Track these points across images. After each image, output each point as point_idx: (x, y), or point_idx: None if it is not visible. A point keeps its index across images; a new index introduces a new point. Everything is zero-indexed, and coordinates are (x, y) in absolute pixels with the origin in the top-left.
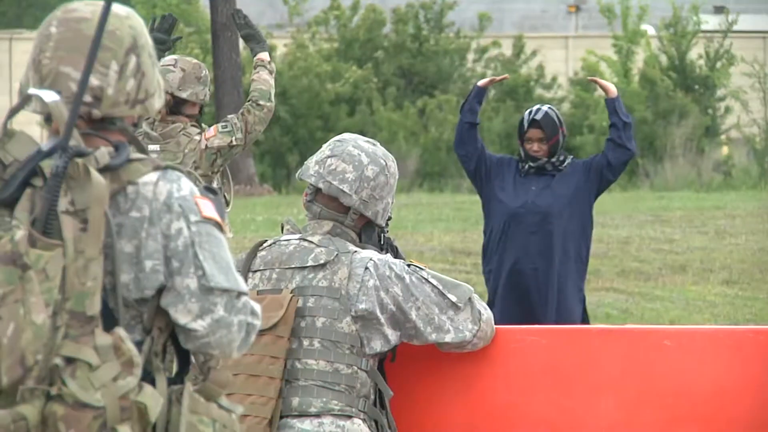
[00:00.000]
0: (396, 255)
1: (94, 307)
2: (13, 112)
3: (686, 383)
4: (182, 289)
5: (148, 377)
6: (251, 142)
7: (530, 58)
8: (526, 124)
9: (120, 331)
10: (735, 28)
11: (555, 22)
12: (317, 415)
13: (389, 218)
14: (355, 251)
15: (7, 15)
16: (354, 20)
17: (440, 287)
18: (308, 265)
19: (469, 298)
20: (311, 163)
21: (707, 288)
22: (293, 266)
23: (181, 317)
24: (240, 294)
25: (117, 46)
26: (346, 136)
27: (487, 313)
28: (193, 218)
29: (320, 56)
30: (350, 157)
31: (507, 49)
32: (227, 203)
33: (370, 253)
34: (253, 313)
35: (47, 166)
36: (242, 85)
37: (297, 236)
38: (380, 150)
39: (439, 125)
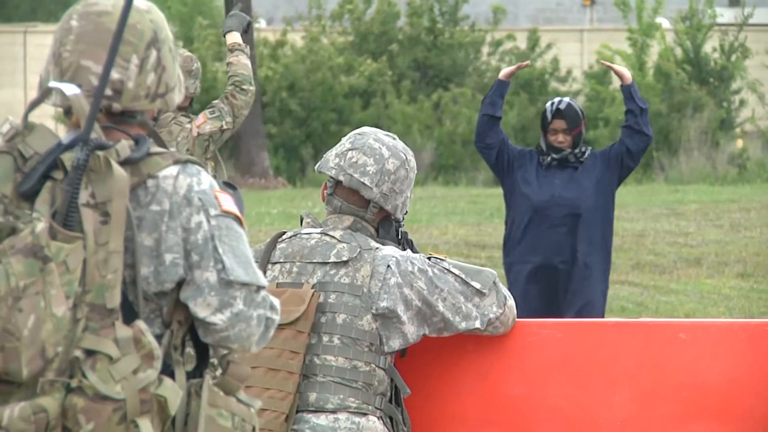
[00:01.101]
0: (412, 248)
1: (114, 299)
2: (34, 105)
3: (701, 376)
4: (202, 282)
5: (167, 370)
6: (238, 127)
7: (545, 51)
8: (549, 115)
9: (140, 324)
10: (750, 21)
11: (570, 15)
12: (333, 411)
13: (405, 212)
14: (377, 248)
15: (21, 8)
16: (368, 13)
17: (463, 276)
18: (330, 261)
19: (494, 282)
20: (331, 156)
21: (722, 281)
22: (315, 261)
23: (201, 311)
24: (259, 288)
25: (138, 40)
26: (366, 129)
27: (511, 300)
28: (213, 212)
29: (334, 49)
30: (371, 150)
31: (522, 43)
32: None
33: (392, 251)
34: (272, 307)
35: (68, 158)
36: (258, 78)
37: (318, 230)
38: (400, 144)
39: (454, 118)
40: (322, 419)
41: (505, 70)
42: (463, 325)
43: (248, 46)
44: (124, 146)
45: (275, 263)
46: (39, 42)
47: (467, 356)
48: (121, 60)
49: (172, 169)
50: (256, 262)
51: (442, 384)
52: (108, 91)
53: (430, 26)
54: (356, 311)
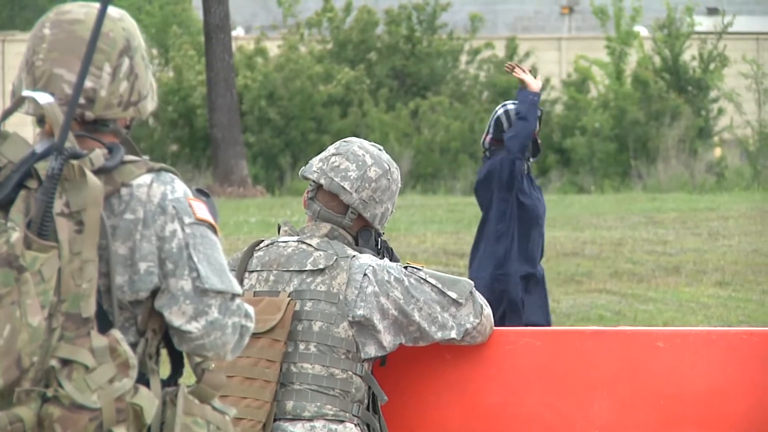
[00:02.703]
0: (391, 258)
1: (90, 308)
2: (7, 113)
3: (680, 385)
4: (176, 290)
5: (142, 379)
6: None
7: (523, 59)
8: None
9: (116, 332)
10: (728, 29)
11: (548, 23)
12: (310, 419)
13: (384, 224)
14: (354, 256)
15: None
16: (347, 21)
17: (440, 286)
18: (307, 269)
19: (470, 292)
20: (315, 161)
21: (700, 289)
22: (291, 269)
23: (176, 319)
24: (234, 296)
25: (110, 48)
26: (352, 138)
27: (487, 309)
28: (187, 220)
29: (312, 58)
30: (354, 156)
31: (500, 51)
32: None
33: (369, 259)
34: (246, 315)
35: (42, 168)
36: (235, 86)
37: (295, 238)
38: (385, 156)
39: (432, 127)
40: (298, 427)
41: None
42: (439, 335)
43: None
44: (98, 155)
45: (252, 272)
46: (17, 50)
47: (446, 365)
48: (93, 68)
49: (146, 178)
50: (233, 270)
51: (421, 392)
52: (81, 100)
53: (408, 34)
54: (332, 319)
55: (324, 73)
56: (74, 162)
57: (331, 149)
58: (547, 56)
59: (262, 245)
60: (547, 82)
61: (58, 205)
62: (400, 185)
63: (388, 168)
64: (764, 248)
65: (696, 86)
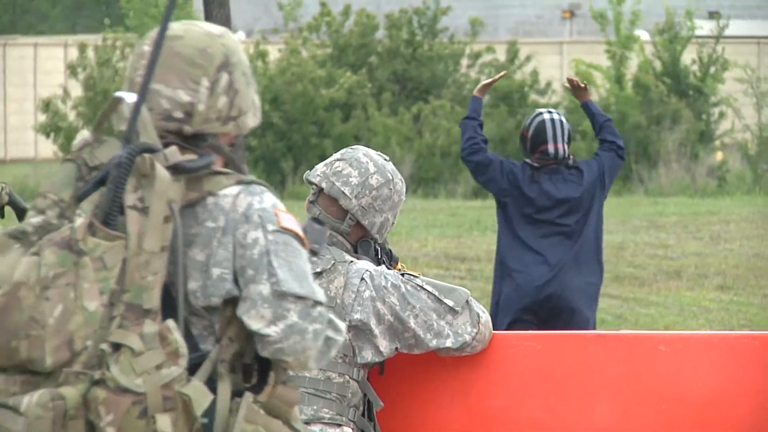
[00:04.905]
0: (390, 258)
1: (152, 301)
2: (103, 118)
3: (681, 389)
4: (255, 295)
5: (211, 384)
6: None
7: (524, 63)
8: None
9: (169, 322)
10: (728, 33)
11: (549, 27)
12: (307, 423)
13: (384, 233)
14: (352, 261)
15: (1, 21)
16: (346, 25)
17: (436, 293)
18: None
19: (467, 301)
20: (320, 165)
21: (702, 293)
22: None
23: (254, 323)
24: (316, 303)
25: (208, 63)
26: (359, 146)
27: (485, 316)
28: (270, 227)
29: (314, 62)
30: (358, 163)
31: (501, 55)
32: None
33: (367, 264)
34: (334, 326)
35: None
36: None
37: None
38: (390, 166)
39: (434, 131)
40: None
41: (481, 85)
42: (434, 343)
43: None
44: (174, 152)
45: None
46: (18, 55)
47: (447, 369)
48: (191, 83)
49: (233, 189)
50: None
51: (422, 397)
52: (179, 114)
53: (409, 38)
54: None
55: (326, 77)
56: (146, 155)
57: (336, 155)
58: (549, 60)
59: None
60: (548, 86)
61: (131, 199)
62: (404, 198)
63: (391, 178)
64: (766, 252)
65: (696, 90)
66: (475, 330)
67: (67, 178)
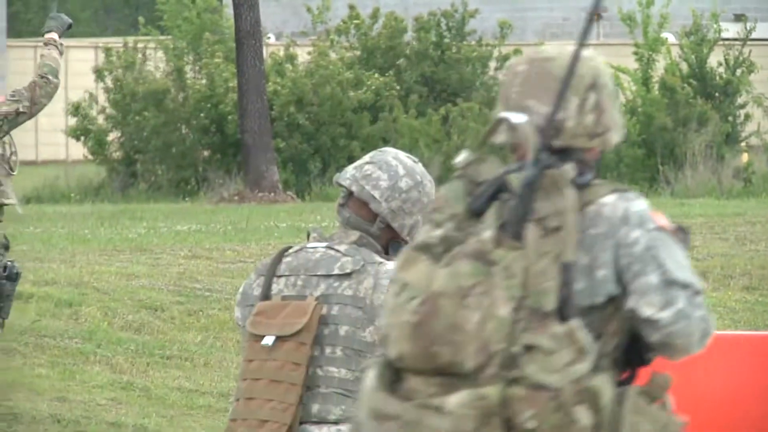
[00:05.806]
0: None
1: (551, 303)
2: (485, 138)
3: (707, 389)
4: (645, 286)
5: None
6: (37, 113)
7: None
8: None
9: (574, 321)
10: (755, 35)
11: (577, 30)
12: (336, 423)
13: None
14: (381, 262)
15: (31, 23)
16: (374, 28)
17: None
18: (334, 273)
19: None
20: (350, 168)
21: (728, 294)
22: (319, 274)
23: (646, 310)
24: (698, 292)
25: (578, 83)
26: (388, 148)
27: None
28: (649, 226)
29: (342, 64)
30: (387, 166)
31: None
32: (12, 169)
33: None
34: (709, 317)
35: (515, 179)
36: (266, 93)
37: (324, 244)
38: (419, 168)
39: (462, 132)
40: (324, 431)
41: None
42: None
43: (62, 44)
44: (569, 169)
45: (280, 276)
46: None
47: None
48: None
49: (611, 197)
50: (262, 275)
51: None
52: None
53: (437, 41)
54: (359, 323)
55: (354, 79)
56: (550, 172)
57: (366, 158)
58: None
59: (291, 251)
60: None
61: (538, 212)
62: (433, 199)
63: (420, 180)
64: None
65: (722, 92)
66: None
67: (458, 194)
